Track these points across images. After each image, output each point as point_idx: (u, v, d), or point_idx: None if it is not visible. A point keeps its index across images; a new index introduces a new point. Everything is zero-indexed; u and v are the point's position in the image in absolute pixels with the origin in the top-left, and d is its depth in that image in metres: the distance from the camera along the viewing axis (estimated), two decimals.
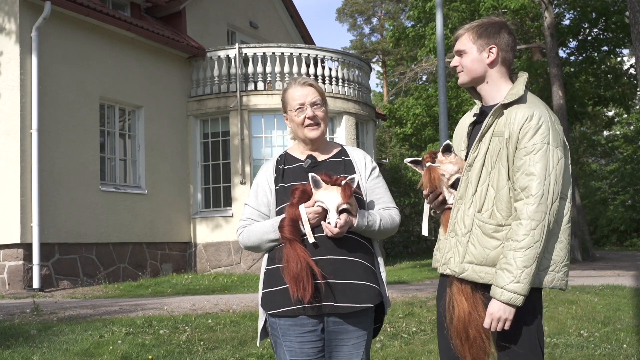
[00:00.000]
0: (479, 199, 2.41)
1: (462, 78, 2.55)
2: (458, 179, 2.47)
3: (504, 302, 2.29)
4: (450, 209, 2.51)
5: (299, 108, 2.59)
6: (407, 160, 2.60)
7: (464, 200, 2.44)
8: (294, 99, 2.61)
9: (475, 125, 2.56)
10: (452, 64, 2.58)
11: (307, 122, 2.58)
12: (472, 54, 2.50)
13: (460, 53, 2.54)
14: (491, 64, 2.49)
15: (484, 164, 2.41)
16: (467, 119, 2.65)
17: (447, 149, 2.51)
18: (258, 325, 2.60)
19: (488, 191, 2.41)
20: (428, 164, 2.49)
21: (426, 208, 2.65)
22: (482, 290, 2.40)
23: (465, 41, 2.52)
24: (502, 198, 2.38)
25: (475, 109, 2.60)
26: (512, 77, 2.54)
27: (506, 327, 2.32)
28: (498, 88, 2.51)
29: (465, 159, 2.52)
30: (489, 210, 2.39)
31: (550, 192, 2.30)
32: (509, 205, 2.37)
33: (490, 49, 2.48)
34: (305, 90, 2.61)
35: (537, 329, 2.41)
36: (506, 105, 2.42)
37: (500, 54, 2.49)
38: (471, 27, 2.54)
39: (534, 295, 2.37)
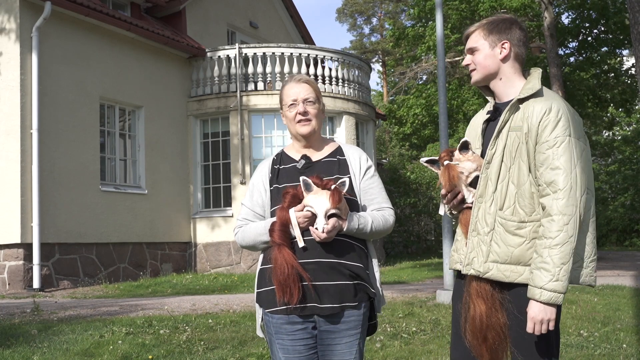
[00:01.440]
0: (500, 196, 2.35)
1: (476, 76, 2.51)
2: (477, 177, 2.41)
3: (544, 303, 2.22)
4: (469, 208, 2.44)
5: (291, 104, 2.62)
6: (422, 159, 2.56)
7: (484, 199, 2.38)
8: (288, 95, 2.64)
9: (489, 122, 2.51)
10: (464, 63, 2.52)
11: (299, 117, 2.60)
12: (484, 51, 2.47)
13: (472, 51, 2.50)
14: (504, 60, 2.46)
15: (502, 161, 2.36)
16: (479, 117, 2.60)
17: (465, 147, 2.45)
18: (257, 320, 2.66)
19: (509, 188, 2.35)
20: (446, 162, 2.43)
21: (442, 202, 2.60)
22: (502, 290, 2.35)
23: (477, 38, 2.48)
24: (525, 194, 2.32)
25: (489, 107, 2.56)
26: (525, 74, 2.50)
27: (550, 327, 2.24)
28: (512, 84, 2.47)
29: (482, 157, 2.47)
30: (510, 207, 2.34)
31: (578, 185, 2.24)
32: (532, 201, 2.31)
33: (503, 44, 2.45)
34: (300, 87, 2.63)
35: (555, 331, 2.34)
36: (522, 100, 2.38)
37: (512, 49, 2.45)
38: (482, 25, 2.51)
39: None
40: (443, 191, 2.44)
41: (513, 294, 2.34)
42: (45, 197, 10.81)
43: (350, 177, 2.55)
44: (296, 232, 2.41)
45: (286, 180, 2.57)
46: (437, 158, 2.53)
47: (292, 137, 2.70)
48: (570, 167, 2.24)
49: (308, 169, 2.57)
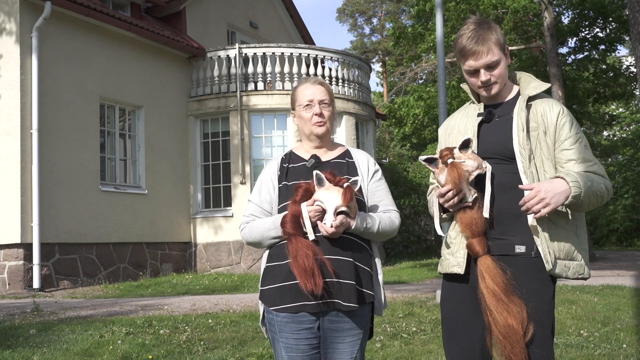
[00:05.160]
0: None
1: (496, 89, 2.46)
2: (478, 175, 2.37)
3: (569, 183, 2.24)
4: (467, 207, 2.38)
5: (307, 105, 2.67)
6: (421, 158, 2.50)
7: None
8: (303, 95, 2.69)
9: (483, 123, 2.49)
10: (484, 79, 2.43)
11: (315, 118, 2.66)
12: (503, 62, 2.45)
13: (495, 65, 2.43)
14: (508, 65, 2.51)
15: (534, 158, 2.40)
16: (463, 119, 2.57)
17: (466, 145, 2.40)
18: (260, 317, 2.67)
19: None
20: (450, 160, 2.37)
21: (436, 207, 2.51)
22: (514, 287, 2.32)
23: (496, 51, 2.42)
24: None
25: (478, 109, 2.53)
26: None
27: (546, 211, 2.24)
28: (509, 86, 2.54)
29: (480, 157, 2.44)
30: None
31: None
32: None
33: (506, 51, 2.47)
34: (315, 88, 2.70)
35: (552, 317, 2.41)
36: (530, 99, 2.44)
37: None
38: (496, 33, 2.44)
39: (554, 285, 2.39)
40: (444, 190, 2.36)
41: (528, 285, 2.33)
42: (45, 197, 10.81)
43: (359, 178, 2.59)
44: (307, 225, 2.44)
45: (295, 178, 2.62)
46: (436, 156, 2.47)
47: (304, 137, 2.74)
48: (596, 159, 2.40)
49: (317, 169, 2.61)
